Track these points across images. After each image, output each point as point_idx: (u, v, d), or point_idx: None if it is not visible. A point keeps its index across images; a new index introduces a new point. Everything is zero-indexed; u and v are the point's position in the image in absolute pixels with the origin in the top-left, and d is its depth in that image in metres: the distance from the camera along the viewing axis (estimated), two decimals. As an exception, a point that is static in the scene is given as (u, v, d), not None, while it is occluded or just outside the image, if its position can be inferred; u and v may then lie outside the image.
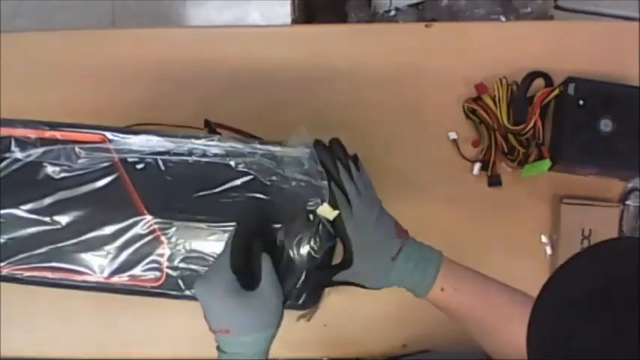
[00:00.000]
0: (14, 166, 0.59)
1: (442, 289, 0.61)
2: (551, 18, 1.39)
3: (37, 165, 0.59)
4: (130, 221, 0.58)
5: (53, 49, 0.96)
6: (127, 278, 0.59)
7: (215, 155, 0.59)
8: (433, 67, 0.93)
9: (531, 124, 0.87)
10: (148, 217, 0.58)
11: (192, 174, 0.59)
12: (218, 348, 0.58)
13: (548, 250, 0.91)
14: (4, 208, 0.58)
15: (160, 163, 0.59)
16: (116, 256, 0.58)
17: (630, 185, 0.91)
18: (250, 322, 0.55)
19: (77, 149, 0.59)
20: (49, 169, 0.59)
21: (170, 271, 0.59)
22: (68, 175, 0.59)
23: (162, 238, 0.58)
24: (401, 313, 0.90)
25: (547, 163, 0.86)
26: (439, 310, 0.64)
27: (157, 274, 0.59)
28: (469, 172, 0.92)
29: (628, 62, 0.92)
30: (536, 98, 0.88)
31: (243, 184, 0.59)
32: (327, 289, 0.69)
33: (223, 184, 0.59)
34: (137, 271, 0.59)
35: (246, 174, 0.59)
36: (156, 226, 0.58)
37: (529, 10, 1.39)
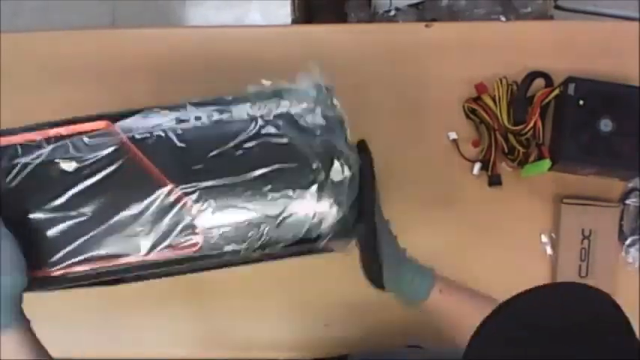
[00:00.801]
0: (26, 171, 0.58)
1: (441, 291, 0.65)
2: (551, 18, 1.39)
3: (48, 164, 0.59)
4: (155, 194, 0.58)
5: (53, 49, 0.96)
6: (166, 251, 0.58)
7: (221, 112, 0.60)
8: (433, 67, 0.93)
9: (531, 124, 0.87)
10: (171, 186, 0.58)
11: (204, 135, 0.59)
12: None
13: (548, 250, 0.91)
14: (29, 213, 0.58)
15: (170, 133, 0.60)
16: (149, 232, 0.58)
17: (630, 185, 0.91)
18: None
19: (85, 139, 0.59)
20: (62, 165, 0.59)
21: (206, 233, 0.58)
22: (82, 165, 0.58)
23: (190, 203, 0.58)
24: (401, 313, 0.90)
25: (547, 163, 0.86)
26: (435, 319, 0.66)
27: (194, 238, 0.59)
28: (469, 172, 0.92)
29: (628, 62, 0.92)
30: (536, 98, 0.88)
31: (255, 133, 0.59)
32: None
33: (235, 137, 0.59)
34: (174, 241, 0.58)
35: (255, 120, 0.60)
36: (181, 192, 0.58)
37: (529, 10, 1.39)
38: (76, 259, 0.58)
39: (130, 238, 0.58)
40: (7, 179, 0.58)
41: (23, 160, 0.59)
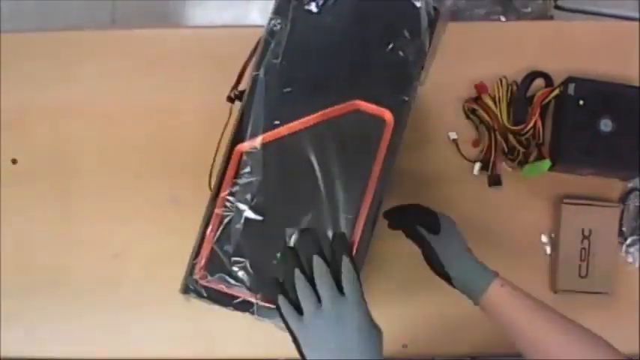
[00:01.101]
0: (244, 241, 0.59)
1: (502, 285, 0.69)
2: (551, 18, 1.39)
3: (248, 222, 0.59)
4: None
5: (53, 49, 0.96)
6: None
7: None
8: (433, 67, 0.92)
9: (531, 124, 0.87)
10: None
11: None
12: None
13: (548, 250, 0.91)
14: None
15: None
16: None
17: (630, 185, 0.91)
18: (367, 350, 0.54)
19: (243, 179, 0.60)
20: (254, 211, 0.59)
21: None
22: (263, 192, 0.60)
23: None
24: (402, 313, 0.90)
25: (547, 163, 0.86)
26: (488, 317, 0.70)
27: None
28: (469, 172, 0.92)
29: (628, 62, 0.92)
30: (536, 98, 0.88)
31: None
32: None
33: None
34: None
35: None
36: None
37: (529, 10, 1.39)
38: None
39: (354, 179, 0.59)
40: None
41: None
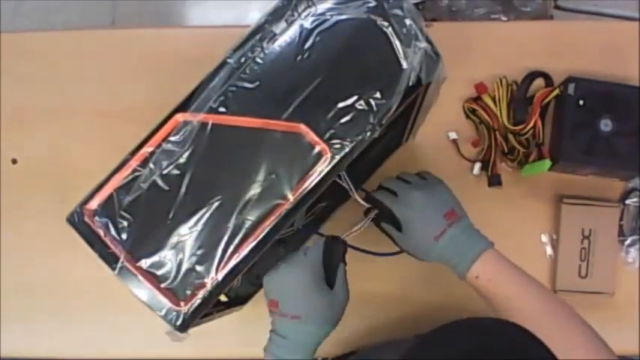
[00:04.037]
0: (142, 202, 0.59)
1: (477, 277, 0.66)
2: (551, 18, 1.39)
3: (154, 186, 0.59)
4: (265, 140, 0.58)
5: (53, 49, 0.96)
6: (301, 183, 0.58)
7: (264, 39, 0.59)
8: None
9: (531, 124, 0.87)
10: (273, 121, 0.58)
11: (267, 64, 0.59)
12: (274, 332, 0.63)
13: (548, 250, 0.91)
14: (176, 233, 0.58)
15: (238, 83, 0.59)
16: (284, 175, 0.58)
17: (630, 185, 0.91)
18: (320, 315, 0.62)
19: (169, 145, 0.59)
20: (163, 179, 0.59)
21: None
22: (181, 167, 0.59)
23: (302, 125, 0.58)
24: (402, 312, 0.90)
25: (547, 163, 0.86)
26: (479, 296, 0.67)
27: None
28: (469, 172, 0.92)
29: (628, 62, 0.92)
30: (536, 98, 0.88)
31: (306, 31, 0.59)
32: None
33: (293, 46, 0.59)
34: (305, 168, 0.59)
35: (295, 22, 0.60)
36: (283, 122, 0.58)
37: (529, 9, 1.39)
38: (237, 240, 0.58)
39: (270, 191, 0.58)
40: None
41: (126, 199, 0.59)
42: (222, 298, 0.75)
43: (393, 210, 0.70)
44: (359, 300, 0.89)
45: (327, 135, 0.58)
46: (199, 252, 0.57)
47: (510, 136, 0.89)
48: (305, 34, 0.58)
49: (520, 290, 0.66)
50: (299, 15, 0.59)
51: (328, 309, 0.63)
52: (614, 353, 0.60)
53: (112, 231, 0.59)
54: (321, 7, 0.59)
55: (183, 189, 0.58)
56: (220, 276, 0.57)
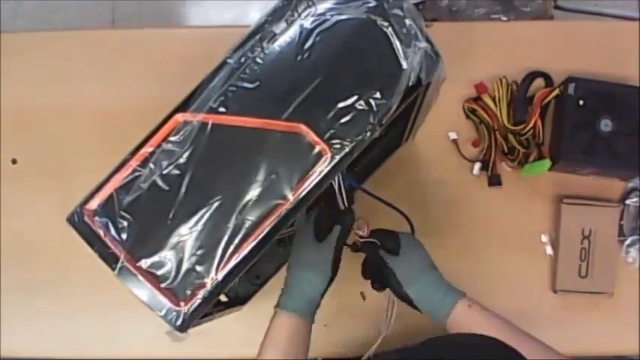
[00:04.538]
0: (142, 202, 0.58)
1: (469, 306, 0.66)
2: (551, 18, 1.39)
3: (154, 186, 0.58)
4: (266, 140, 0.58)
5: (53, 49, 0.96)
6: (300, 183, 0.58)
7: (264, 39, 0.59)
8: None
9: (531, 124, 0.87)
10: (275, 121, 0.58)
11: (267, 64, 0.59)
12: (285, 286, 0.70)
13: (548, 250, 0.91)
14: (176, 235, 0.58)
15: (238, 83, 0.59)
16: (284, 174, 0.58)
17: (630, 185, 0.91)
18: (307, 260, 0.69)
19: (169, 145, 0.59)
20: (163, 180, 0.58)
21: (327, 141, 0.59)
22: (181, 167, 0.59)
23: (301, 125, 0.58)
24: (402, 313, 0.90)
25: (547, 163, 0.86)
26: None
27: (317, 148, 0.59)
28: (469, 172, 0.92)
29: (628, 62, 0.92)
30: (536, 98, 0.88)
31: (306, 31, 0.59)
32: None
33: (293, 46, 0.59)
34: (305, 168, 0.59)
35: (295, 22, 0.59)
36: (283, 121, 0.58)
37: (529, 9, 1.39)
38: (237, 240, 0.58)
39: (270, 191, 0.58)
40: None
41: (126, 199, 0.58)
42: (222, 298, 0.75)
43: (397, 234, 0.72)
44: (359, 306, 0.90)
45: (327, 135, 0.58)
46: (199, 252, 0.57)
47: (510, 136, 0.89)
48: (305, 34, 0.58)
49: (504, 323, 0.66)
50: (299, 15, 0.59)
51: (317, 256, 0.69)
52: None
53: (112, 231, 0.58)
54: (321, 7, 0.59)
55: (183, 189, 0.58)
56: (220, 276, 0.57)
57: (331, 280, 0.70)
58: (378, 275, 0.72)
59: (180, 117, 0.59)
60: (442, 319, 0.67)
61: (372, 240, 0.71)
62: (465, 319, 0.66)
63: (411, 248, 0.71)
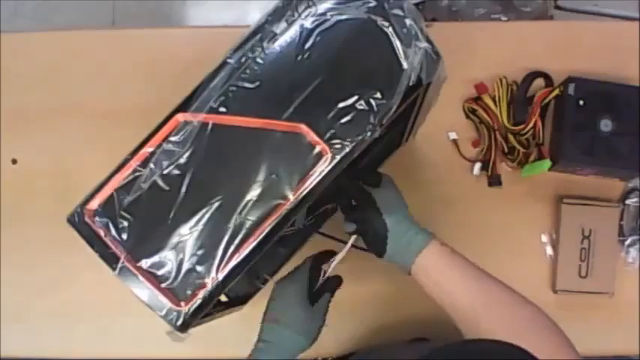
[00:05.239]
0: (142, 202, 0.58)
1: (441, 244, 0.66)
2: (551, 18, 1.39)
3: (154, 186, 0.58)
4: (267, 140, 0.58)
5: (53, 49, 0.96)
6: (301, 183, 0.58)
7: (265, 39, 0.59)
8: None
9: (531, 124, 0.87)
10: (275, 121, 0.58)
11: (268, 64, 0.59)
12: (261, 341, 0.68)
13: (548, 250, 0.91)
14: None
15: (239, 82, 0.59)
16: (285, 175, 0.58)
17: (630, 185, 0.91)
18: (298, 323, 0.68)
19: (169, 145, 0.59)
20: (164, 180, 0.58)
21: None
22: (181, 167, 0.59)
23: (302, 125, 0.58)
24: (401, 310, 0.90)
25: (547, 163, 0.86)
26: (420, 282, 0.67)
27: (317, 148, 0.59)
28: (469, 172, 0.92)
29: (628, 62, 0.92)
30: (536, 98, 0.88)
31: (307, 31, 0.59)
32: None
33: (293, 46, 0.59)
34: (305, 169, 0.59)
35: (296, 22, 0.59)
36: (283, 122, 0.58)
37: (529, 9, 1.39)
38: (237, 241, 0.58)
39: (271, 191, 0.58)
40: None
41: (127, 199, 0.58)
42: (222, 298, 0.75)
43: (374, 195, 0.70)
44: (357, 302, 0.90)
45: (328, 135, 0.58)
46: (200, 252, 0.57)
47: (510, 136, 0.89)
48: (305, 34, 0.58)
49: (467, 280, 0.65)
50: (299, 15, 0.59)
51: (308, 321, 0.68)
52: (578, 354, 0.60)
53: (113, 231, 0.58)
54: (321, 7, 0.59)
55: (183, 189, 0.58)
56: (221, 276, 0.57)
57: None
58: (353, 209, 0.71)
59: (180, 117, 0.59)
60: (411, 258, 0.66)
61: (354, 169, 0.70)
62: (434, 263, 0.65)
63: (391, 185, 0.71)
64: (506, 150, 0.90)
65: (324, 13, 0.59)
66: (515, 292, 0.63)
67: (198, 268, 0.57)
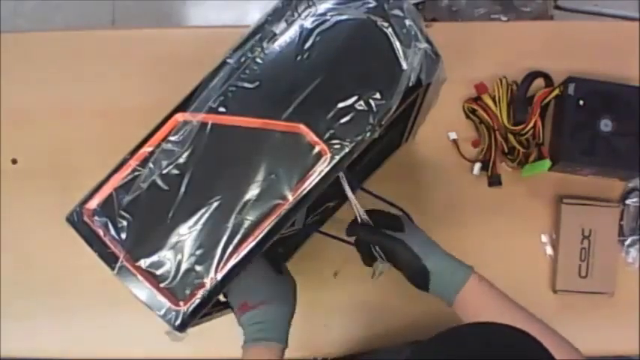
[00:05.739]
0: (141, 202, 0.58)
1: (480, 280, 0.66)
2: (551, 18, 1.39)
3: (153, 186, 0.58)
4: (266, 140, 0.58)
5: (53, 49, 0.96)
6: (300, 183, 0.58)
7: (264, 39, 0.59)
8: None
9: (531, 124, 0.87)
10: (273, 121, 0.58)
11: (268, 64, 0.59)
12: (249, 326, 0.68)
13: (549, 250, 0.91)
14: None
15: (238, 83, 0.59)
16: (284, 174, 0.58)
17: (630, 185, 0.91)
18: (281, 294, 0.70)
19: (169, 145, 0.59)
20: (163, 179, 0.58)
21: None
22: (180, 167, 0.58)
23: (301, 125, 0.58)
24: (402, 312, 0.90)
25: (547, 163, 0.86)
26: (461, 315, 0.66)
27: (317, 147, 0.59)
28: (469, 172, 0.92)
29: (628, 62, 0.92)
30: (536, 98, 0.88)
31: (307, 31, 0.59)
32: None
33: (293, 46, 0.59)
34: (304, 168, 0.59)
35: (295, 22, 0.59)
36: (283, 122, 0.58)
37: (529, 9, 1.39)
38: (236, 240, 0.57)
39: (270, 191, 0.58)
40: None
41: (126, 199, 0.58)
42: (222, 297, 0.75)
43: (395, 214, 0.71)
44: (357, 303, 0.90)
45: (327, 135, 0.58)
46: (199, 252, 0.57)
47: (510, 136, 0.89)
48: (305, 35, 0.58)
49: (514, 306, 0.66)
50: (299, 15, 0.59)
51: (285, 289, 0.71)
52: None
53: (112, 231, 0.58)
54: (321, 8, 0.59)
55: (182, 189, 0.58)
56: (219, 276, 0.57)
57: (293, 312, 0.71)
58: (374, 257, 0.71)
59: (179, 117, 0.59)
60: (453, 293, 0.66)
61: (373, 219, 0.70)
62: (473, 297, 0.66)
63: (412, 225, 0.71)
64: (506, 150, 0.90)
65: (323, 14, 0.59)
66: (554, 333, 0.63)
67: (197, 268, 0.57)
